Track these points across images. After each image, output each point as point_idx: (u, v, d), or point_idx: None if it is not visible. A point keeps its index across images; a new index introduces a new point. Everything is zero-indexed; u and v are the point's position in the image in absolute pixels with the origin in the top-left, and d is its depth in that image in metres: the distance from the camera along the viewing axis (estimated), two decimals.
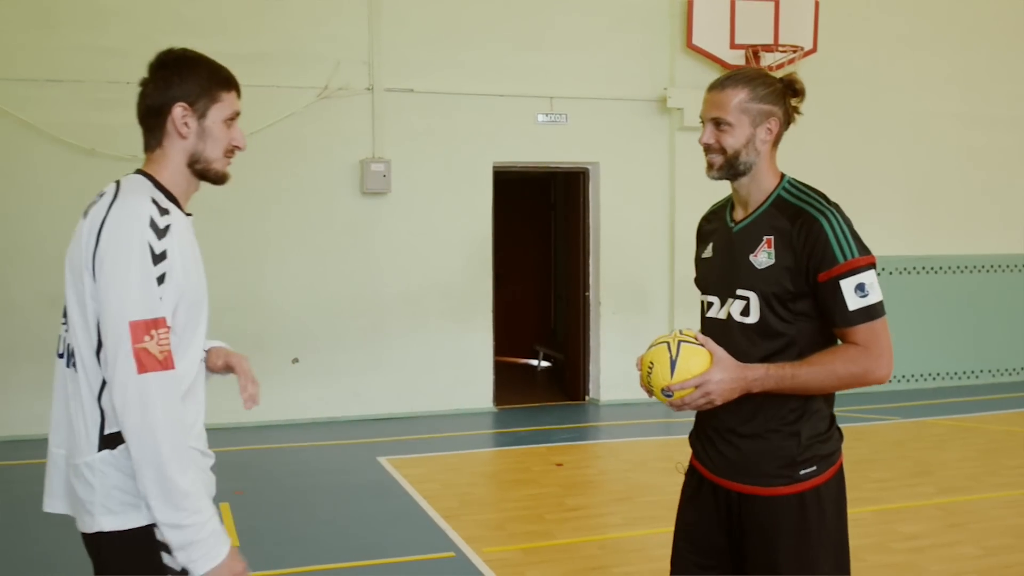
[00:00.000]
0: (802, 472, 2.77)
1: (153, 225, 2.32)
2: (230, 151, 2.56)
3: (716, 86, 2.86)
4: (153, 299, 2.28)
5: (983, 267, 11.73)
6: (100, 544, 2.37)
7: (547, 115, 10.23)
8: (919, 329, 11.30)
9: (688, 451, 3.07)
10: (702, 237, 3.10)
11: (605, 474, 7.98)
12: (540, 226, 13.25)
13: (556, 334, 13.04)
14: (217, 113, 2.50)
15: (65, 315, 2.44)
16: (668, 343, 2.73)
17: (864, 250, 2.70)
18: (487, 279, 10.16)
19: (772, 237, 2.76)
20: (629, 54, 10.40)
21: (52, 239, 8.77)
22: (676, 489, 6.94)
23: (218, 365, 2.81)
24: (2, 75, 8.62)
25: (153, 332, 2.27)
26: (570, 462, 8.10)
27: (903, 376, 11.31)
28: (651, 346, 2.79)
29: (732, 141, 2.80)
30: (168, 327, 2.31)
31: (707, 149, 2.86)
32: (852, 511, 2.88)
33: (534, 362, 13.31)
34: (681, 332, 2.78)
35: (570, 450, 8.61)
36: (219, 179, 2.58)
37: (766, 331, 2.76)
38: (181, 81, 2.46)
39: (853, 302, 2.67)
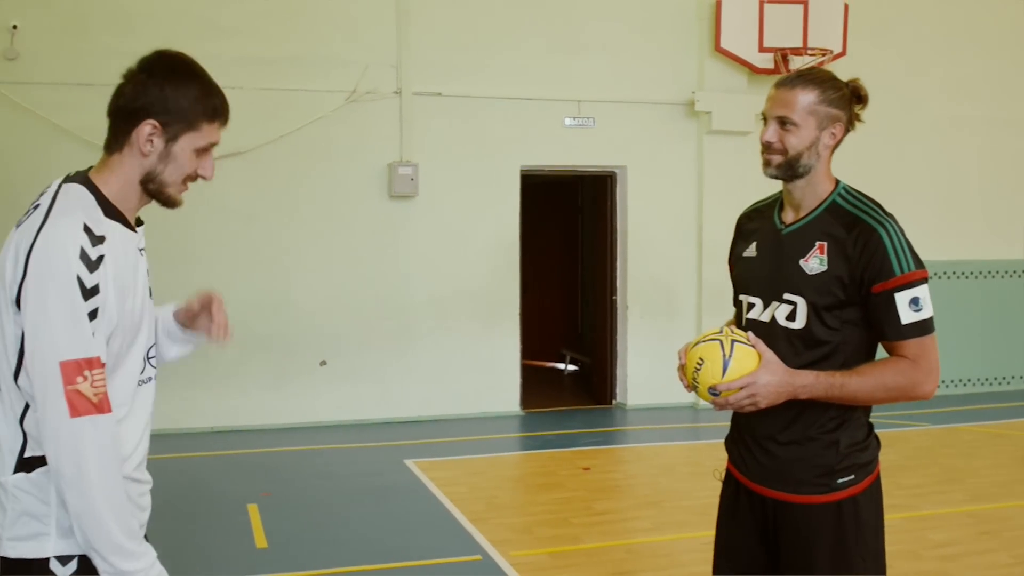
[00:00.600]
0: (840, 481, 2.74)
1: (84, 257, 2.11)
2: (192, 178, 2.35)
3: (786, 84, 2.77)
4: (85, 337, 2.10)
5: (1013, 272, 11.61)
6: (3, 568, 2.23)
7: (575, 119, 10.22)
8: (949, 335, 11.12)
9: (723, 456, 3.04)
10: (743, 234, 3.04)
11: (632, 478, 7.96)
12: (567, 230, 13.23)
13: (583, 338, 13.02)
14: (189, 142, 2.28)
15: None
16: (721, 341, 2.67)
17: (920, 264, 2.66)
18: (514, 282, 10.16)
19: (825, 243, 2.71)
20: (657, 58, 10.38)
21: None
22: (704, 494, 6.92)
23: (195, 310, 2.59)
24: (35, 79, 8.73)
25: (87, 373, 2.09)
26: (597, 466, 8.08)
27: None
28: (699, 341, 2.73)
29: (796, 142, 2.74)
30: (103, 365, 2.14)
31: (767, 147, 2.78)
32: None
33: (561, 366, 13.29)
34: (732, 331, 2.73)
35: (597, 454, 8.59)
36: (169, 204, 2.35)
37: (811, 338, 2.72)
38: (162, 95, 2.24)
39: (907, 316, 2.64)
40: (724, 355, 2.64)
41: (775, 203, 2.96)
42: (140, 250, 2.35)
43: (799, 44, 10.12)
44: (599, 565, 5.61)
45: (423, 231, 9.78)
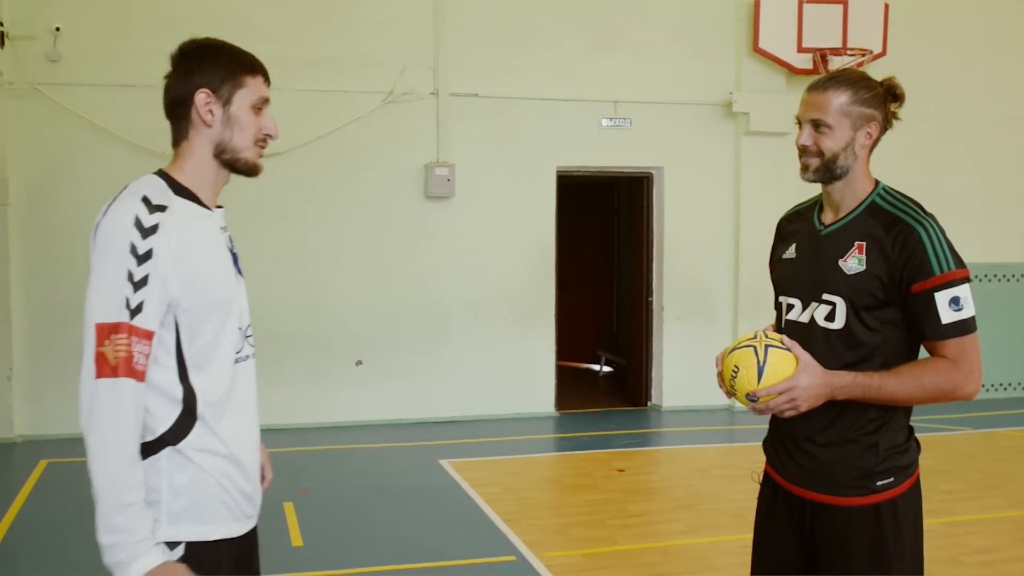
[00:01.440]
0: (879, 483, 2.72)
1: (138, 224, 2.22)
2: (261, 140, 2.45)
3: (817, 87, 2.78)
4: (120, 303, 2.19)
5: None
6: None
7: (611, 119, 10.20)
8: (991, 338, 10.99)
9: (759, 459, 3.03)
10: (783, 236, 3.04)
11: (667, 480, 7.93)
12: (603, 231, 13.21)
13: (619, 339, 12.98)
14: (243, 99, 2.40)
15: None
16: (755, 347, 2.66)
17: (960, 263, 2.65)
18: (550, 283, 10.15)
19: (864, 243, 2.71)
20: (694, 58, 10.34)
21: None
22: (739, 497, 6.89)
23: None
24: (78, 80, 8.84)
25: (112, 336, 2.18)
26: (632, 468, 8.06)
27: None
28: (734, 348, 2.71)
29: (831, 144, 2.74)
30: (136, 332, 2.19)
31: (804, 151, 2.79)
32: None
33: (596, 367, 13.27)
34: (766, 335, 2.71)
35: (632, 456, 8.57)
36: (250, 170, 2.46)
37: (850, 338, 2.71)
38: (202, 68, 2.38)
39: (947, 315, 2.62)
40: (759, 361, 2.63)
41: (815, 205, 2.96)
42: (222, 228, 2.46)
43: (838, 44, 10.04)
44: (633, 567, 5.60)
45: (459, 232, 9.80)
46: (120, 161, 8.84)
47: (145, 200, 2.26)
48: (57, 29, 8.81)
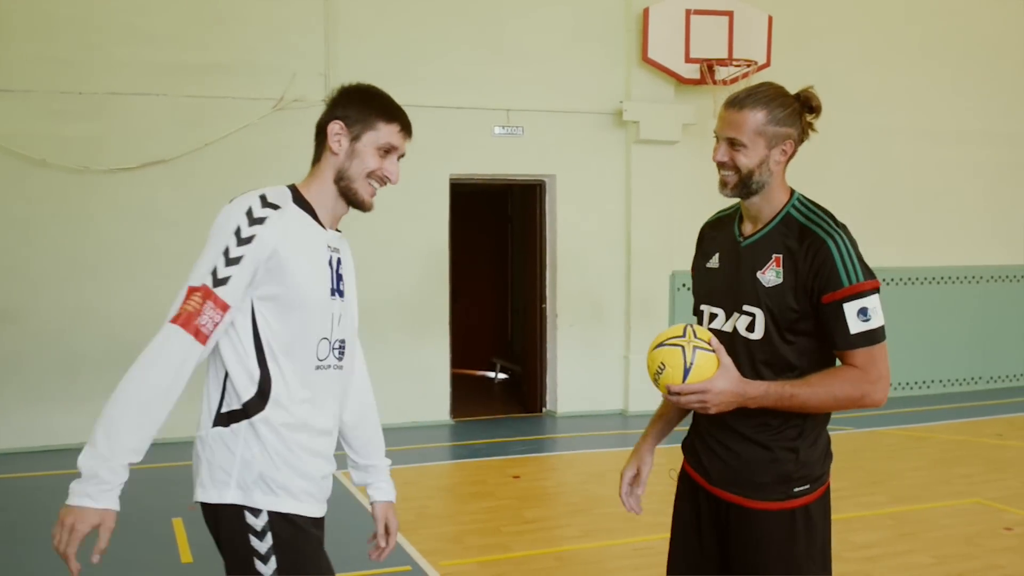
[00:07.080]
0: (796, 489, 2.80)
1: (249, 213, 2.53)
2: (378, 178, 2.71)
3: (734, 105, 2.80)
4: (209, 271, 2.47)
5: (931, 279, 11.90)
6: (207, 513, 2.65)
7: (504, 128, 10.25)
8: None
9: (681, 458, 3.10)
10: (706, 244, 3.06)
11: (562, 486, 7.98)
12: (497, 239, 13.26)
13: (513, 346, 13.04)
14: (370, 140, 2.68)
15: None
16: (683, 347, 2.67)
17: (869, 274, 2.69)
18: (444, 291, 10.14)
19: (781, 256, 2.75)
20: (585, 67, 10.46)
21: (3, 250, 8.65)
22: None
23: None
24: None
25: (195, 296, 2.45)
26: (527, 474, 8.09)
27: None
28: (662, 343, 2.72)
29: (746, 161, 2.77)
30: (208, 296, 2.45)
31: (721, 166, 2.82)
32: None
33: (491, 374, 13.30)
34: (695, 335, 2.71)
35: (527, 462, 8.61)
36: (360, 203, 2.73)
37: (770, 348, 2.75)
38: (346, 104, 2.70)
39: (855, 326, 2.66)
40: (685, 362, 2.66)
41: (735, 214, 2.98)
42: (330, 247, 2.72)
43: (724, 55, 10.27)
44: (528, 573, 5.62)
45: (352, 240, 9.64)
46: None
47: (262, 197, 2.58)
48: None
